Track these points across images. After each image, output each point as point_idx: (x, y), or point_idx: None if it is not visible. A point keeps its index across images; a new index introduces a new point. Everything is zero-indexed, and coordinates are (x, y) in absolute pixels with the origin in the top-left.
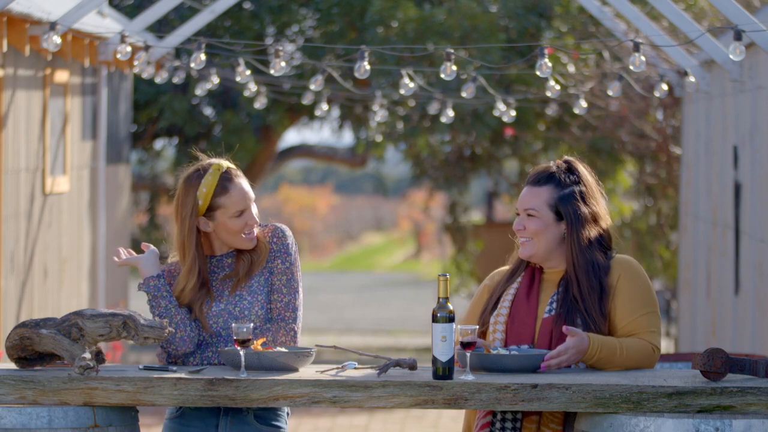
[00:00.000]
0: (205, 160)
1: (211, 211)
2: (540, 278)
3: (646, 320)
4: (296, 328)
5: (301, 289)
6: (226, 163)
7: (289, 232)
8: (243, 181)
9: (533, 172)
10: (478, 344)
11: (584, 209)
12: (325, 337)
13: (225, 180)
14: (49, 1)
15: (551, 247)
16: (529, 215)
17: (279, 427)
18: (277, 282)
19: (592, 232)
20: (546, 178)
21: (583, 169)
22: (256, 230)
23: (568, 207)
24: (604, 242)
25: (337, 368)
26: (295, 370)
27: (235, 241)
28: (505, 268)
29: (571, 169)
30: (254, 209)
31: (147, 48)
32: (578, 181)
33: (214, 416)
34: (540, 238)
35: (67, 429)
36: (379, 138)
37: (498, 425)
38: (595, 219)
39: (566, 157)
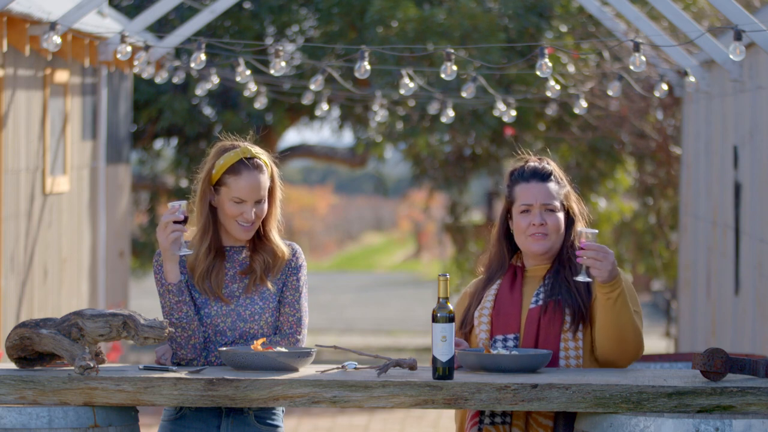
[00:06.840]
0: (246, 144)
1: (218, 185)
2: (522, 275)
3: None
4: (302, 345)
5: (308, 307)
6: (258, 153)
7: (302, 253)
8: (260, 177)
9: (529, 168)
10: (462, 346)
11: (577, 205)
12: (325, 337)
13: (243, 164)
14: (49, 1)
15: (560, 241)
16: (549, 210)
17: (277, 426)
18: (289, 296)
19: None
20: (547, 174)
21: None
22: (274, 235)
23: (571, 202)
24: None
25: (337, 368)
26: (295, 370)
27: (228, 224)
28: (482, 277)
29: (553, 167)
30: (258, 209)
31: (147, 48)
32: (564, 177)
33: (216, 417)
34: (558, 232)
35: (67, 429)
36: (379, 138)
37: (487, 420)
38: (581, 214)
39: (538, 156)
